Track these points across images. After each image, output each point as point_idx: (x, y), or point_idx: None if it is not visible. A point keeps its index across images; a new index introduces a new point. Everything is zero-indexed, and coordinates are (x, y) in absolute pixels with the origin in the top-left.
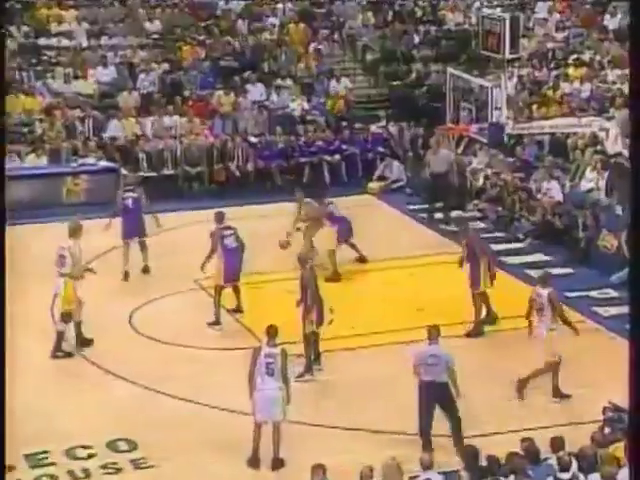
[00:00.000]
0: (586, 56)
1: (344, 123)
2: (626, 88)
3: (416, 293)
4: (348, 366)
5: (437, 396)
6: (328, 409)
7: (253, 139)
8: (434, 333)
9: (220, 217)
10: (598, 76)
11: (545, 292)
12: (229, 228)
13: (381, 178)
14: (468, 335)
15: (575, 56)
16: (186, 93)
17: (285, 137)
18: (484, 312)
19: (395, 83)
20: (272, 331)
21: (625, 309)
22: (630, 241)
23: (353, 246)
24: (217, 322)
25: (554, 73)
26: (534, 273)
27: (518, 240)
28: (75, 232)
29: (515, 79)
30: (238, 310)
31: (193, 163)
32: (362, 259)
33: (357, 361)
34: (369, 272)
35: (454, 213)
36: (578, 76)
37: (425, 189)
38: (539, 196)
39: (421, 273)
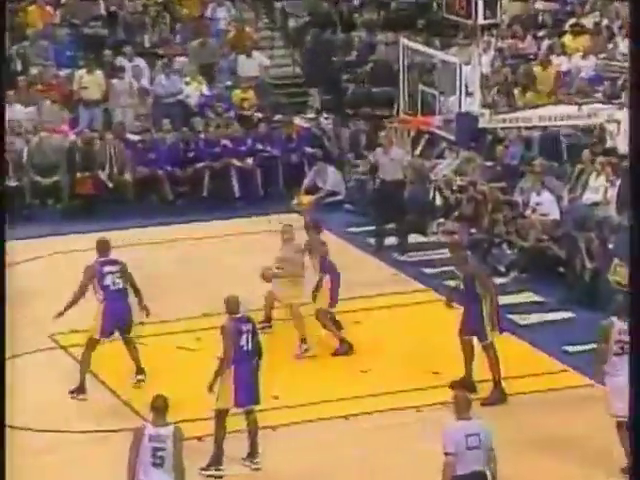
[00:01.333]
0: (589, 20)
1: (259, 114)
2: None
3: (361, 348)
4: (276, 451)
5: None
6: None
7: (133, 137)
8: (465, 402)
9: (103, 247)
10: (605, 48)
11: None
12: (114, 262)
13: (311, 190)
14: (485, 404)
15: (573, 21)
16: (34, 72)
17: (177, 134)
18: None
19: (329, 59)
20: (160, 405)
21: None
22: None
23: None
24: (81, 390)
25: (545, 44)
26: (521, 319)
27: (499, 274)
28: None
29: (492, 53)
30: (139, 372)
31: (46, 171)
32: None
33: (291, 443)
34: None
35: (412, 238)
36: (578, 48)
37: (372, 204)
38: (527, 213)
39: (368, 321)
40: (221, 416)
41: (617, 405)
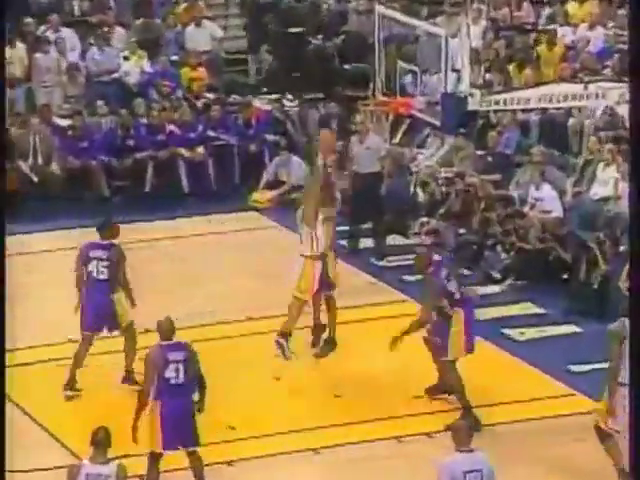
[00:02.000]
0: None
1: (211, 96)
2: None
3: (333, 370)
4: None
5: None
6: None
7: (61, 122)
8: (466, 431)
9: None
10: (616, 16)
11: None
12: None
13: (273, 184)
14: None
15: None
16: None
17: (114, 118)
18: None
19: (292, 31)
20: (101, 438)
21: None
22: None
23: None
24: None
25: (546, 12)
26: (519, 334)
27: (493, 281)
28: None
29: (484, 23)
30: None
31: None
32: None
33: None
34: (261, 335)
35: (391, 239)
36: (584, 17)
37: (344, 200)
38: (525, 210)
39: (340, 337)
40: (153, 458)
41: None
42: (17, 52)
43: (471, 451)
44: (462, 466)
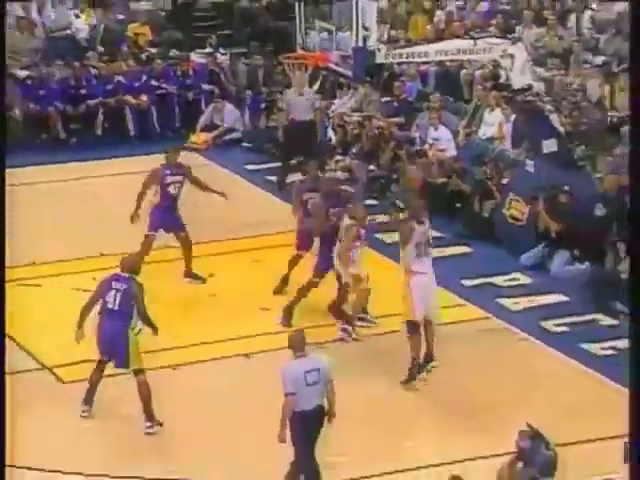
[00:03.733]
0: None
1: (153, 50)
2: None
3: (263, 287)
4: (168, 393)
5: (318, 428)
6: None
7: (21, 72)
8: (299, 339)
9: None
10: None
11: None
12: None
13: (209, 127)
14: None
15: None
16: None
17: (68, 69)
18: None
19: None
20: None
21: (540, 299)
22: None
23: None
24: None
25: None
26: None
27: (399, 210)
28: None
29: None
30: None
31: None
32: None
33: (192, 382)
34: (195, 259)
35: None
36: None
37: (273, 141)
38: (425, 148)
39: (270, 259)
40: (98, 363)
41: (417, 309)
42: None
43: (306, 355)
44: (301, 367)
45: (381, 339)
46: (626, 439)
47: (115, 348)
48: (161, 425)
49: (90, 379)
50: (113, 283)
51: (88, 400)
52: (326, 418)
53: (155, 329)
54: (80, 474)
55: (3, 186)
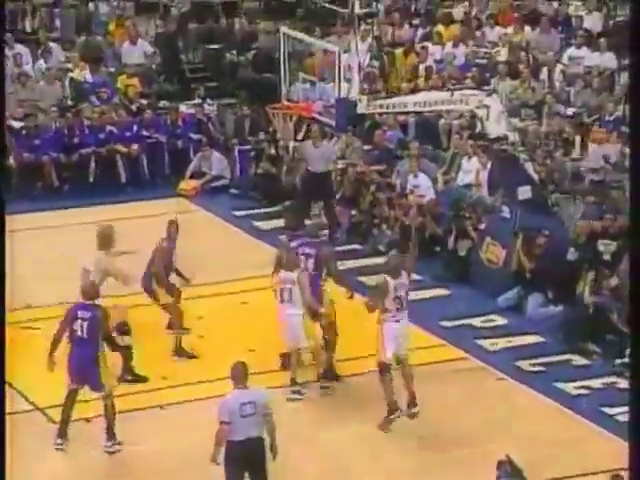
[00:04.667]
0: (459, 10)
1: (144, 101)
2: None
3: (249, 328)
4: (149, 435)
5: (250, 458)
6: None
7: (15, 123)
8: (241, 371)
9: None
10: (474, 36)
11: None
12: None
13: (197, 174)
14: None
15: (444, 11)
16: None
17: (62, 120)
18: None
19: (212, 47)
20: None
21: (516, 340)
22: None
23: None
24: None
25: (420, 33)
26: None
27: (379, 253)
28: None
29: (369, 41)
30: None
31: None
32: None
33: (158, 425)
34: (185, 302)
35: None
36: (449, 37)
37: (259, 189)
38: (406, 194)
39: (257, 301)
40: (69, 391)
41: (388, 350)
42: None
43: (246, 387)
44: (239, 399)
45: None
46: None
47: (87, 373)
48: (120, 444)
49: (63, 411)
50: (79, 312)
51: (62, 433)
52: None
53: (123, 354)
54: None
55: (3, 232)
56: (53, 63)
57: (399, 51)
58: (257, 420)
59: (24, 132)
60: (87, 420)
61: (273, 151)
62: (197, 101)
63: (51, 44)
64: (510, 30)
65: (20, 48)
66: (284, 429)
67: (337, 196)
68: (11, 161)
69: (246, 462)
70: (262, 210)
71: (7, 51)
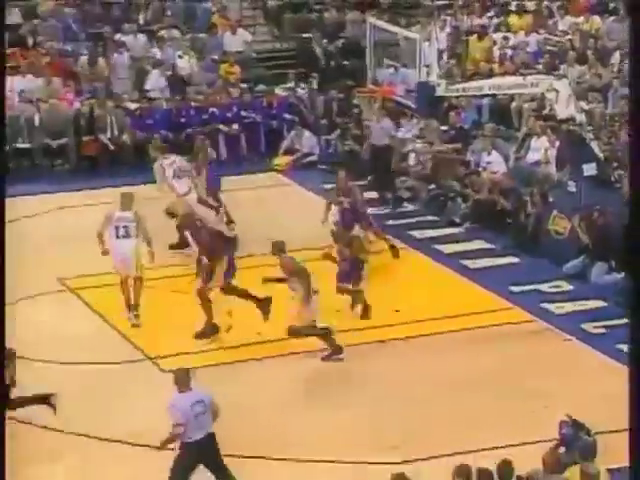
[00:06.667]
0: (531, 3)
1: (243, 85)
2: (578, 40)
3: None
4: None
5: (209, 454)
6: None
7: (131, 105)
8: (183, 376)
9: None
10: (546, 26)
11: None
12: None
13: (289, 151)
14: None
15: (517, 2)
16: (44, 46)
17: (171, 102)
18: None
19: (304, 36)
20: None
21: (581, 305)
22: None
23: None
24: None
25: (494, 22)
26: (471, 264)
27: (454, 224)
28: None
29: (448, 30)
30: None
31: (55, 134)
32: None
33: (262, 372)
34: (276, 267)
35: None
36: (522, 26)
37: (346, 164)
38: (479, 171)
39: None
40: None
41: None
42: (98, 66)
43: (191, 390)
44: (188, 400)
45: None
46: None
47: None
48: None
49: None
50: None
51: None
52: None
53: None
54: None
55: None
56: (165, 52)
57: (474, 39)
58: (208, 418)
59: (137, 112)
60: None
61: (357, 130)
62: (290, 85)
63: (162, 33)
64: (581, 19)
65: (139, 38)
66: None
67: (416, 172)
68: (125, 138)
69: (205, 458)
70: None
71: (127, 38)
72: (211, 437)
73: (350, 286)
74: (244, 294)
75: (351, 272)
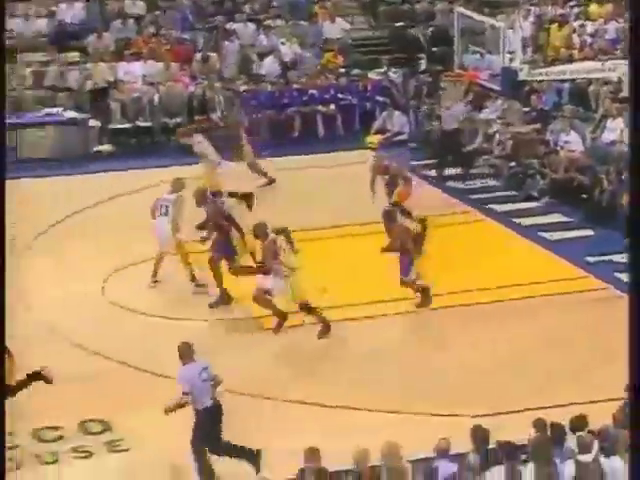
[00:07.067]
0: None
1: (340, 69)
2: None
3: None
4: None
5: (218, 419)
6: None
7: (239, 87)
8: (187, 349)
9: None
10: (625, 14)
11: None
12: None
13: (381, 131)
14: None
15: None
16: (163, 34)
17: (275, 85)
18: None
19: (397, 24)
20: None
21: None
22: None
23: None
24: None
25: (575, 11)
26: (549, 236)
27: (533, 199)
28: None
29: (531, 19)
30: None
31: (171, 113)
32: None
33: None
34: (367, 236)
35: (459, 170)
36: (601, 14)
37: (432, 143)
38: (557, 150)
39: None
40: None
41: None
42: (210, 61)
43: (195, 361)
44: (194, 370)
45: None
46: None
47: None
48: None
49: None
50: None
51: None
52: None
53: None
54: None
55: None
56: (270, 39)
57: (555, 27)
58: (212, 385)
59: (245, 94)
60: None
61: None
62: (383, 70)
63: (269, 22)
64: None
65: (249, 26)
66: None
67: (497, 150)
68: (235, 117)
69: (219, 426)
70: (432, 160)
71: (237, 27)
72: (219, 408)
73: (408, 278)
74: (250, 270)
75: (406, 264)
